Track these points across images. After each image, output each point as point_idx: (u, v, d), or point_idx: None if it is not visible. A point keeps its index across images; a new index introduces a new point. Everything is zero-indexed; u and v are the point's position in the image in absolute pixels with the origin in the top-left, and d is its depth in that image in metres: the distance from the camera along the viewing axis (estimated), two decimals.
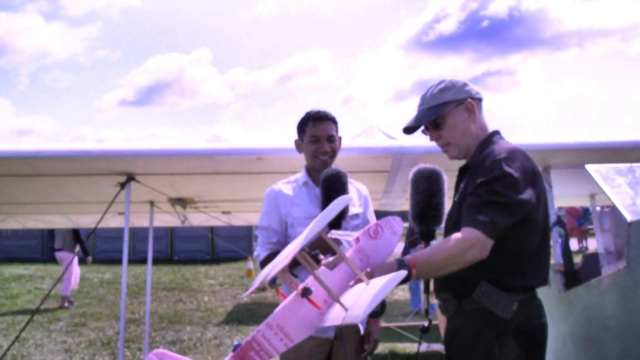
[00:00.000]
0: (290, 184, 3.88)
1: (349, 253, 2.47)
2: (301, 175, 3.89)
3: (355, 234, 2.65)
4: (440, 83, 3.04)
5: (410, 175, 2.91)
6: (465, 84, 3.03)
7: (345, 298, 2.18)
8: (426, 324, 3.09)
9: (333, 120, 3.82)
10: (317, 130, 3.76)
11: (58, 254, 13.27)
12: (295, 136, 3.90)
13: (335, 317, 2.14)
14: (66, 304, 12.65)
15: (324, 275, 2.37)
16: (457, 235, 2.65)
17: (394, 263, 2.49)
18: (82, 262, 13.94)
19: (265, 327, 2.15)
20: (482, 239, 2.60)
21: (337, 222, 2.75)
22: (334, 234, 2.62)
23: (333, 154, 3.81)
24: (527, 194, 2.74)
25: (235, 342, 2.24)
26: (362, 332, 3.48)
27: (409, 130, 3.13)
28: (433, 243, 2.84)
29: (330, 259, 2.43)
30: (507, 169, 2.74)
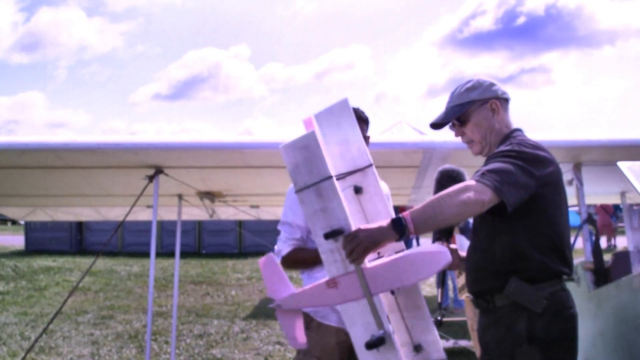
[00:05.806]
0: None
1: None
2: None
3: None
4: (468, 82, 3.16)
5: (435, 175, 3.05)
6: (492, 84, 3.13)
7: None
8: (439, 317, 3.14)
9: (366, 122, 3.80)
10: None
11: None
12: None
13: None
14: None
15: None
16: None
17: (388, 221, 2.51)
18: None
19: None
20: (478, 186, 2.62)
21: None
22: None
23: None
24: (538, 172, 2.78)
25: None
26: None
27: (435, 126, 3.23)
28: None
29: None
30: (521, 147, 2.84)
